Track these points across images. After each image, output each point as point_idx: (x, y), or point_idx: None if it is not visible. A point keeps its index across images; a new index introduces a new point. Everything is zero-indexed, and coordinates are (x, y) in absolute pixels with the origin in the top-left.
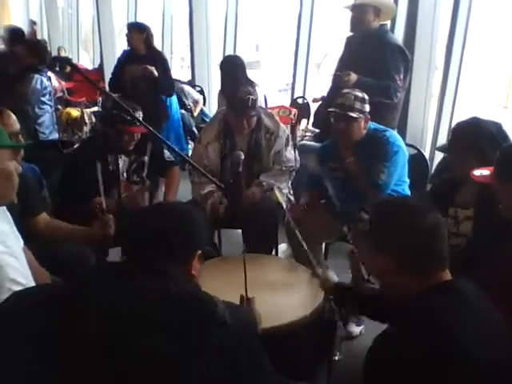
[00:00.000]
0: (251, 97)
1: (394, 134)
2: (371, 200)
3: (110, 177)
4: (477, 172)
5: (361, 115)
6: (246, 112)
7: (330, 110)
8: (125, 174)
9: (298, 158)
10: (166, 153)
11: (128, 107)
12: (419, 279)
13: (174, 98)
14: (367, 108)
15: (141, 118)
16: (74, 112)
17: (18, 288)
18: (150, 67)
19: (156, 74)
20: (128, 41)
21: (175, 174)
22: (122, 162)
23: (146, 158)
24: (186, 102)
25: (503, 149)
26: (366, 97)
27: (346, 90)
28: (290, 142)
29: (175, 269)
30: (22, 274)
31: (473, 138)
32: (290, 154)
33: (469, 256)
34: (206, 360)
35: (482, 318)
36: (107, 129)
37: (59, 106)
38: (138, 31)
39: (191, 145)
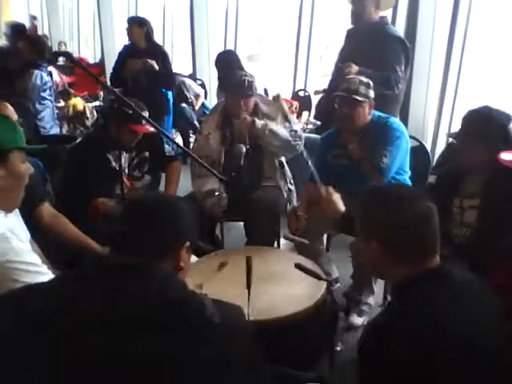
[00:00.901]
0: (247, 78)
1: (396, 120)
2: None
3: (112, 172)
4: (505, 156)
5: (365, 99)
6: (242, 92)
7: (335, 94)
8: (126, 170)
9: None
10: (167, 148)
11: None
12: (406, 266)
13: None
14: (371, 94)
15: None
16: (80, 105)
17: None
18: (150, 61)
19: (156, 67)
20: (128, 35)
21: (176, 169)
22: (123, 157)
23: (147, 154)
24: (188, 95)
25: None
26: (371, 82)
27: (350, 76)
28: (293, 121)
29: (161, 264)
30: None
31: (482, 125)
32: (291, 125)
33: (475, 246)
34: (195, 360)
35: (473, 303)
36: (109, 124)
37: (61, 100)
38: (138, 25)
39: (193, 138)
